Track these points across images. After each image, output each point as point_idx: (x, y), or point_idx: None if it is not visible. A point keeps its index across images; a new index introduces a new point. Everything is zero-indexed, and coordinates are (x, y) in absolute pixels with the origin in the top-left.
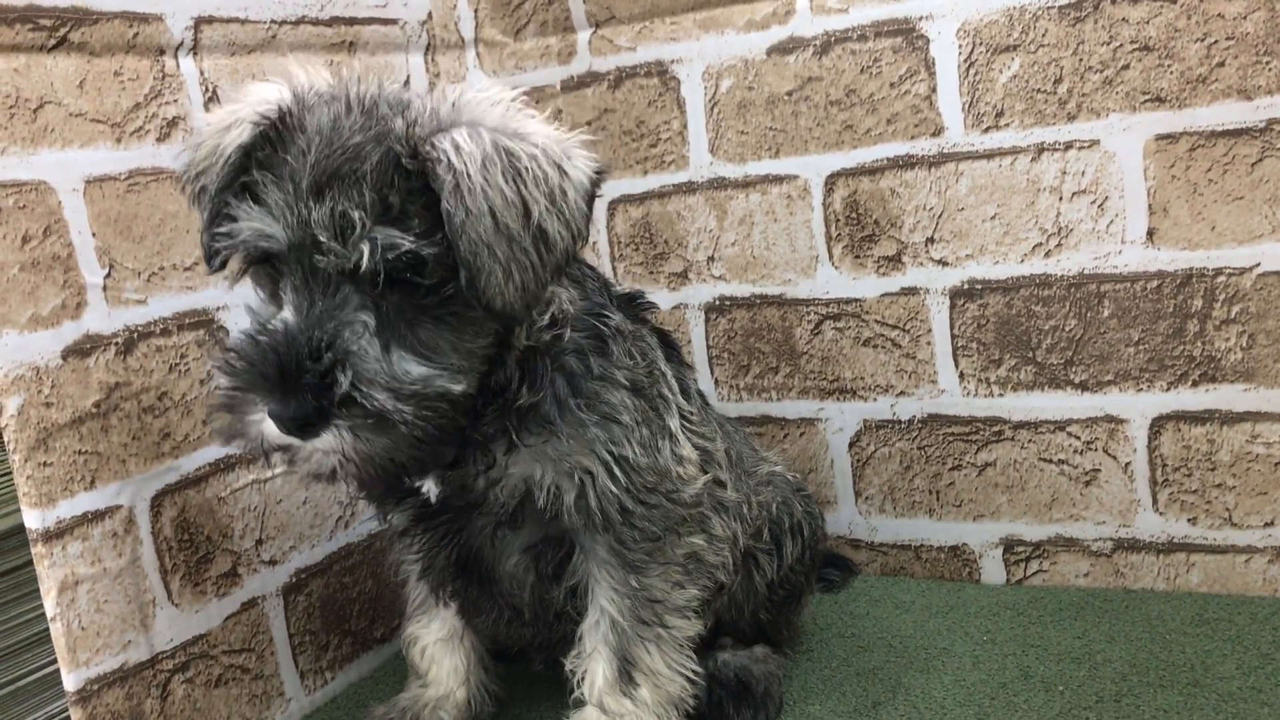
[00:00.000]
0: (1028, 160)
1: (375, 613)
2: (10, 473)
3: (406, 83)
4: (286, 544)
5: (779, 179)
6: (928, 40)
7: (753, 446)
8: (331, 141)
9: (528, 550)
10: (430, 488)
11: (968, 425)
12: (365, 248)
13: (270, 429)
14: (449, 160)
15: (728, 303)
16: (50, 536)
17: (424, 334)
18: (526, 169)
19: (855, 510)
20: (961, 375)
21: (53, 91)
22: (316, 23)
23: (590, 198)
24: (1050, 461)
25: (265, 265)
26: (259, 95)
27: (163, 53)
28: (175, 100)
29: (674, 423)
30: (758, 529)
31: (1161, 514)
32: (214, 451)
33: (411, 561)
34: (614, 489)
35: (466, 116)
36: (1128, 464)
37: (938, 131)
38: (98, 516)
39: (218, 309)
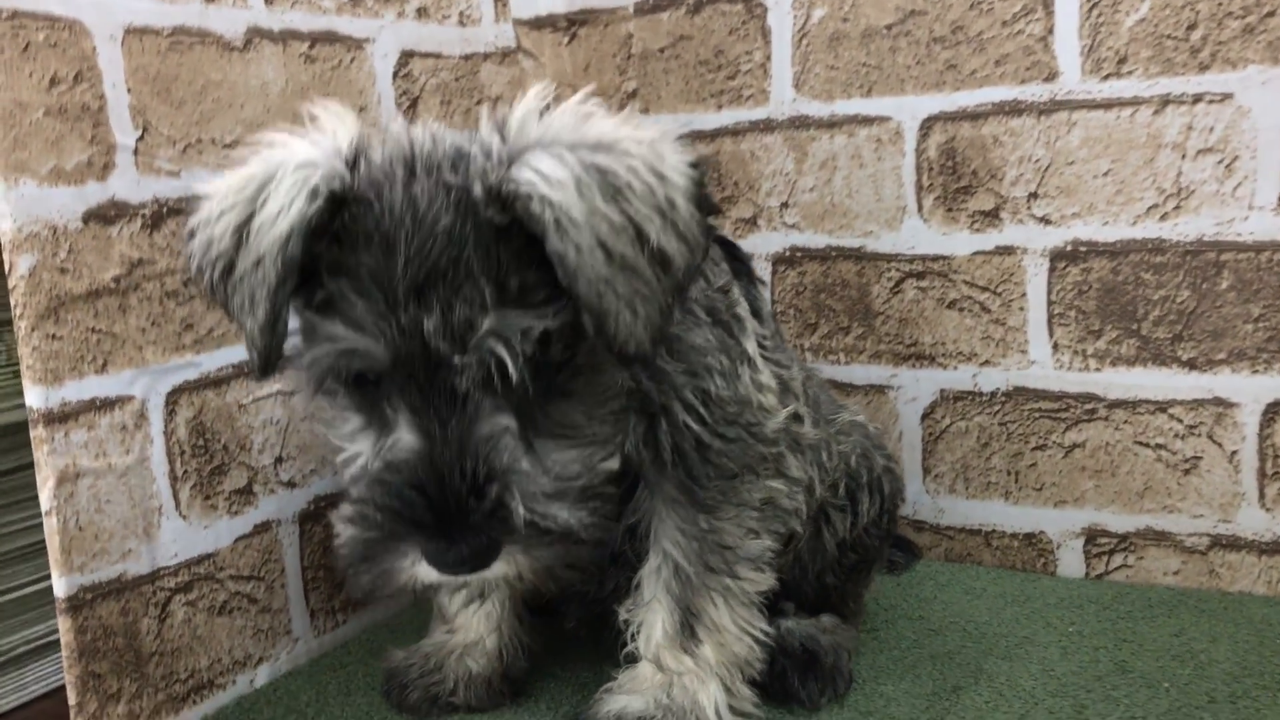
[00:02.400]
0: (1150, 113)
1: None
2: (16, 364)
3: None
4: (308, 466)
5: (869, 120)
6: None
7: (829, 392)
8: (419, 227)
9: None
10: None
11: (1058, 401)
12: (501, 351)
13: (427, 572)
14: (539, 193)
15: (799, 254)
16: (53, 419)
17: (560, 415)
18: (627, 184)
19: (922, 489)
20: (1055, 346)
21: None
22: None
23: (700, 201)
24: (1147, 445)
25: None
26: (296, 155)
27: None
28: None
29: (751, 346)
30: (834, 481)
31: (1269, 510)
32: (238, 352)
33: None
34: (692, 423)
35: (534, 137)
36: (1234, 453)
37: (1051, 76)
38: (107, 405)
39: None
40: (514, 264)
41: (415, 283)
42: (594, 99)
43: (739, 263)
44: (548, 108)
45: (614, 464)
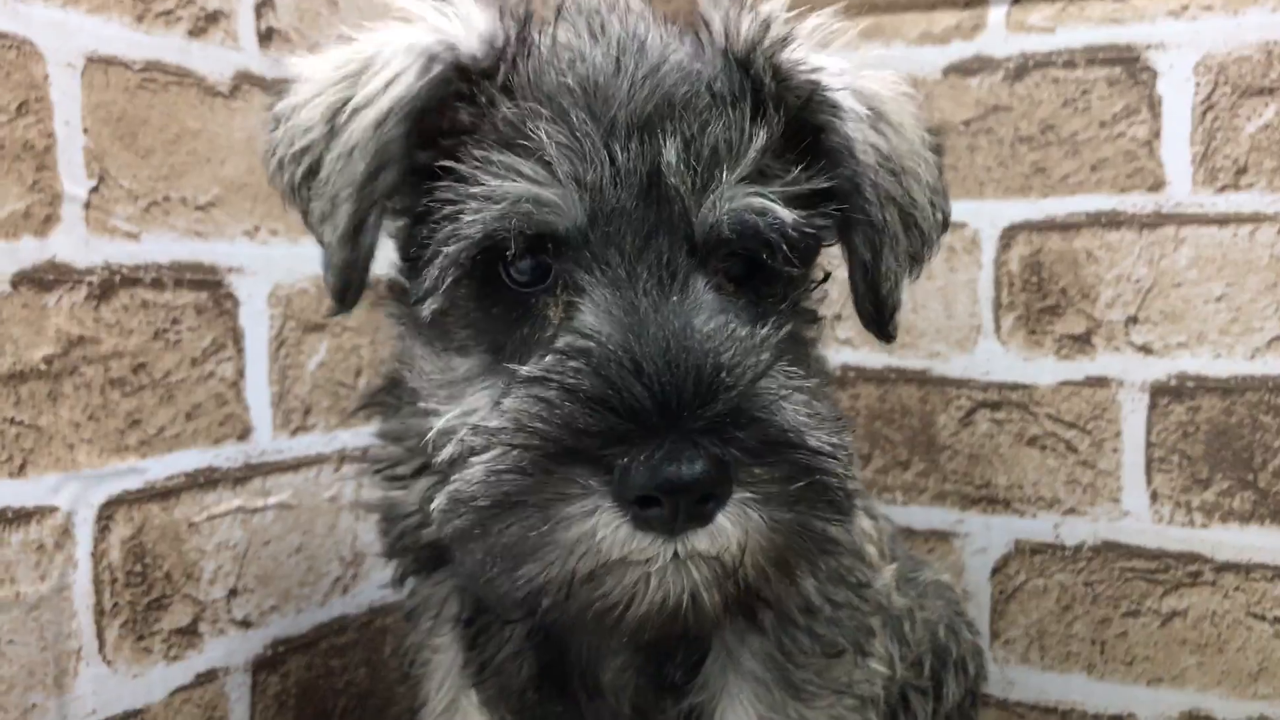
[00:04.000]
0: (1274, 231)
1: (363, 714)
2: None
3: None
4: (267, 602)
5: None
6: (1155, 74)
7: (902, 543)
8: (640, 53)
9: (642, 648)
10: None
11: (1155, 560)
12: (755, 200)
13: (613, 527)
14: (829, 77)
15: (852, 374)
16: None
17: (794, 363)
18: (889, 114)
19: (989, 655)
20: (1154, 495)
21: None
22: None
23: (941, 172)
24: (1263, 618)
25: (486, 268)
26: (421, 29)
27: None
28: None
29: (853, 485)
30: (918, 658)
31: None
32: (194, 457)
33: (444, 652)
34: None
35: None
36: None
37: (1157, 186)
38: (22, 517)
39: (230, 270)
40: (775, 144)
41: (642, 111)
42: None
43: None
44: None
45: (850, 437)
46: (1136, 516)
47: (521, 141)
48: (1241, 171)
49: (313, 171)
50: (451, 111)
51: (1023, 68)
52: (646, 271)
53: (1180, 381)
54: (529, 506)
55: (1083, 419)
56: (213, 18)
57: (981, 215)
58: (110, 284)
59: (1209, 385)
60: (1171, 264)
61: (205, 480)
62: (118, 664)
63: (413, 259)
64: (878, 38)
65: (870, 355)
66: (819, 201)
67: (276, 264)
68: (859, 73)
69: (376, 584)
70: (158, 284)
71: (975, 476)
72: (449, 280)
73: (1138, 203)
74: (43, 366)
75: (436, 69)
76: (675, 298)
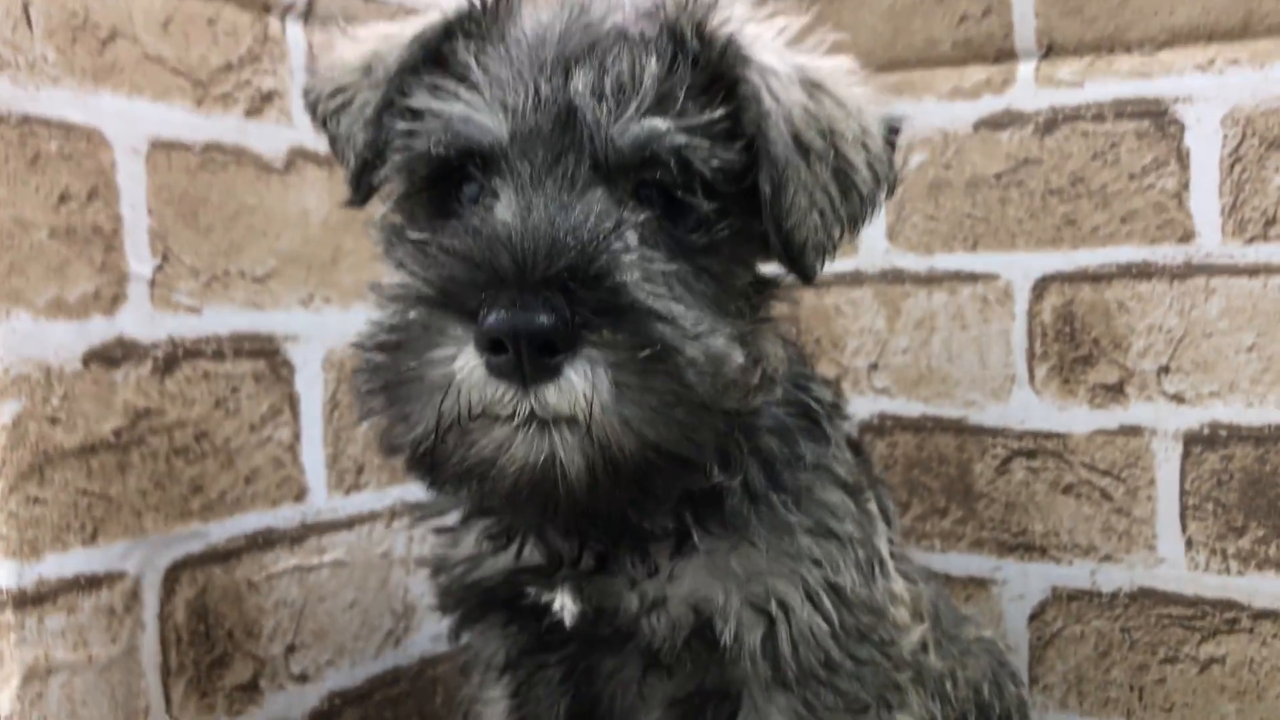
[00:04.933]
0: None
1: None
2: None
3: None
4: (323, 656)
5: (973, 277)
6: (1183, 126)
7: (948, 599)
8: (582, 13)
9: (675, 705)
10: (564, 603)
11: (1192, 607)
12: (654, 124)
13: (470, 369)
14: (747, 37)
15: (890, 422)
16: (26, 601)
17: (688, 284)
18: (831, 92)
19: (1029, 702)
20: (1189, 542)
21: (130, 23)
22: None
23: (892, 148)
24: None
25: (443, 186)
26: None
27: (269, 10)
28: (274, 71)
29: (883, 544)
30: (961, 715)
31: None
32: (253, 519)
33: (494, 705)
34: (821, 628)
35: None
36: None
37: (1186, 237)
38: (93, 583)
39: (286, 338)
40: (687, 86)
41: (565, 53)
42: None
43: (859, 452)
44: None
45: (736, 355)
46: (1172, 564)
47: (467, 75)
48: (1270, 223)
49: (344, 106)
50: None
51: (1052, 121)
52: (552, 182)
53: (1213, 430)
54: (407, 348)
55: (1117, 467)
56: (267, 97)
57: (1014, 267)
58: (174, 357)
59: (1241, 434)
60: (1202, 314)
61: (264, 541)
62: None
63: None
64: (909, 93)
65: (907, 404)
66: (728, 140)
67: (329, 330)
68: (808, 56)
69: (428, 636)
70: (218, 355)
71: (1012, 524)
72: (402, 189)
73: (1168, 254)
74: (112, 439)
75: (451, 13)
76: (568, 198)
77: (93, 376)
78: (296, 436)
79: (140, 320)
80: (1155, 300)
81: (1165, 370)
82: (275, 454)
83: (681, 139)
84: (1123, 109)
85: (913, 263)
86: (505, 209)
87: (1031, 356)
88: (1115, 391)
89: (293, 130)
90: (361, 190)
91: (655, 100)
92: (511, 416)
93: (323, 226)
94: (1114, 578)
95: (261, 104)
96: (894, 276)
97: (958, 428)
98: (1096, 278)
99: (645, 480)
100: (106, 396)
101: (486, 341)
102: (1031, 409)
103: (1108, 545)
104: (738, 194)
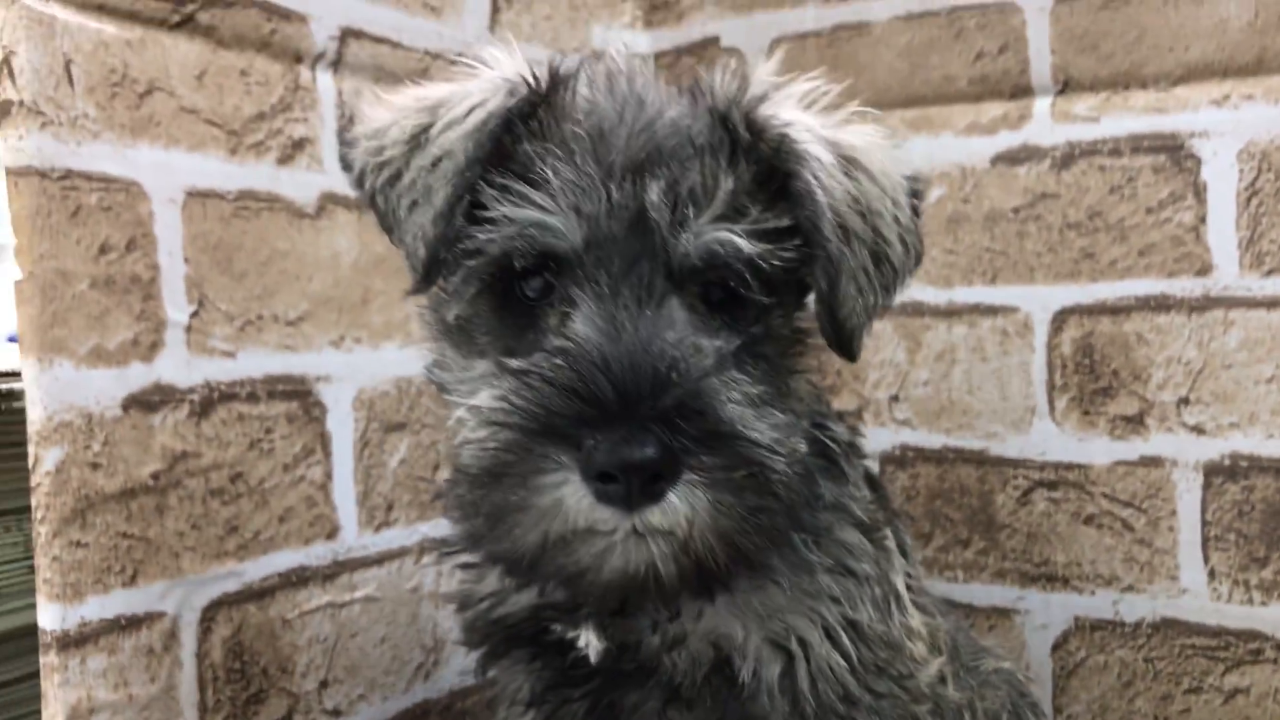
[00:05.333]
0: None
1: None
2: (20, 560)
3: None
4: (355, 691)
5: (993, 310)
6: (1199, 161)
7: (967, 632)
8: (643, 111)
9: None
10: (589, 640)
11: (1215, 637)
12: (738, 242)
13: (579, 497)
14: (796, 130)
15: (911, 454)
16: (68, 643)
17: (752, 377)
18: (866, 168)
19: None
20: (1212, 573)
21: (166, 77)
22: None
23: (917, 215)
24: None
25: (503, 285)
26: (484, 74)
27: (300, 60)
28: (305, 119)
29: (899, 580)
30: None
31: None
32: (287, 558)
33: None
34: (840, 665)
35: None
36: None
37: (1204, 270)
38: (133, 624)
39: (318, 379)
40: (745, 183)
41: (635, 158)
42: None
43: (876, 486)
44: (798, 91)
45: (801, 447)
46: (1195, 594)
47: (535, 175)
48: None
49: (395, 179)
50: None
51: (1069, 156)
52: (629, 290)
53: (1234, 461)
54: (512, 475)
55: (1138, 498)
56: (299, 145)
57: (1033, 300)
58: (210, 401)
59: (1262, 465)
60: (1221, 346)
61: (297, 579)
62: None
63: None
64: (926, 129)
65: (929, 436)
66: (786, 238)
67: (360, 370)
68: (839, 127)
69: (456, 670)
70: (252, 397)
71: (1034, 554)
72: (471, 291)
73: (1186, 287)
74: (150, 482)
75: (522, 90)
76: (649, 312)
77: (132, 422)
78: (328, 475)
79: (177, 365)
80: (1174, 332)
81: (1185, 402)
82: (308, 493)
83: (753, 248)
84: (1139, 144)
85: (933, 296)
86: (589, 324)
87: (1051, 388)
88: (1135, 423)
89: (323, 176)
90: (430, 280)
91: (725, 210)
92: (613, 532)
93: (353, 269)
94: (1137, 608)
95: (293, 151)
96: (914, 309)
97: (979, 459)
98: (1115, 310)
99: (730, 575)
100: (145, 441)
101: (596, 473)
102: (1052, 440)
103: (1130, 575)
104: (786, 281)
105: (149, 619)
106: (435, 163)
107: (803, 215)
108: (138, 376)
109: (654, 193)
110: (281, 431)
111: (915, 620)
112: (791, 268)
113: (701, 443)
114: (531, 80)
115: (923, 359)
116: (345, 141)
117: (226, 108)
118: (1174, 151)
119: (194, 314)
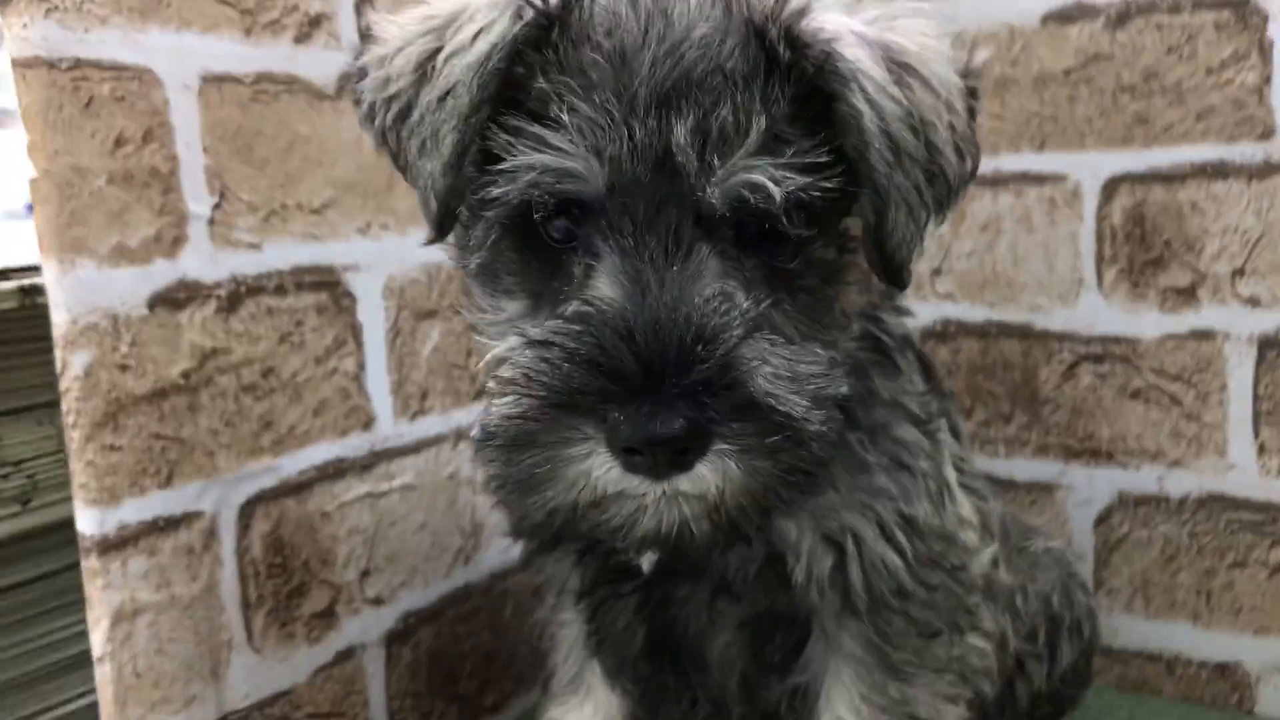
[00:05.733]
0: None
1: (489, 674)
2: (55, 454)
3: None
4: (396, 579)
5: (1040, 179)
6: (1265, 17)
7: (1014, 515)
8: (670, 29)
9: (744, 627)
10: (642, 559)
11: (1261, 512)
12: (770, 186)
13: (607, 469)
14: (843, 45)
15: (954, 328)
16: (109, 547)
17: (790, 315)
18: (920, 76)
19: (1097, 610)
20: (1262, 448)
21: None
22: None
23: (974, 118)
24: None
25: (526, 229)
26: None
27: None
28: None
29: (950, 472)
30: (1031, 629)
31: None
32: (323, 450)
33: (569, 626)
34: (893, 559)
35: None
36: None
37: (1267, 134)
38: (172, 525)
39: (345, 268)
40: (783, 109)
41: (660, 90)
42: None
43: (929, 369)
44: None
45: (842, 388)
46: (1243, 469)
47: (550, 114)
48: None
49: (404, 114)
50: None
51: (1125, 14)
52: (655, 240)
53: None
54: (538, 446)
55: (1187, 372)
56: (315, 21)
57: (1083, 167)
58: (237, 295)
59: None
60: None
61: (334, 471)
62: (265, 651)
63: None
64: None
65: (971, 309)
66: (830, 167)
67: (388, 257)
68: (889, 27)
69: (496, 551)
70: (280, 290)
71: (1078, 429)
72: (492, 238)
73: (1246, 152)
74: (181, 381)
75: (528, 14)
76: (677, 266)
77: (159, 321)
78: (361, 366)
79: (202, 261)
80: (1231, 201)
81: (1240, 273)
82: (341, 385)
83: (790, 184)
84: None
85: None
86: (613, 283)
87: (1100, 260)
88: (1187, 295)
89: (342, 54)
90: (445, 230)
91: (760, 146)
92: (643, 495)
93: (376, 153)
94: (1182, 483)
95: (310, 28)
96: None
97: (1023, 333)
98: (1169, 178)
99: (767, 523)
100: (173, 339)
101: (621, 447)
102: (1099, 313)
103: (1176, 451)
104: (831, 208)
105: (187, 519)
106: (442, 98)
107: (849, 143)
108: (162, 274)
109: (680, 132)
110: (312, 324)
111: (966, 508)
112: (835, 197)
113: (731, 414)
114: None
115: (966, 230)
116: (355, 72)
117: None
118: (1239, 6)
119: (216, 206)
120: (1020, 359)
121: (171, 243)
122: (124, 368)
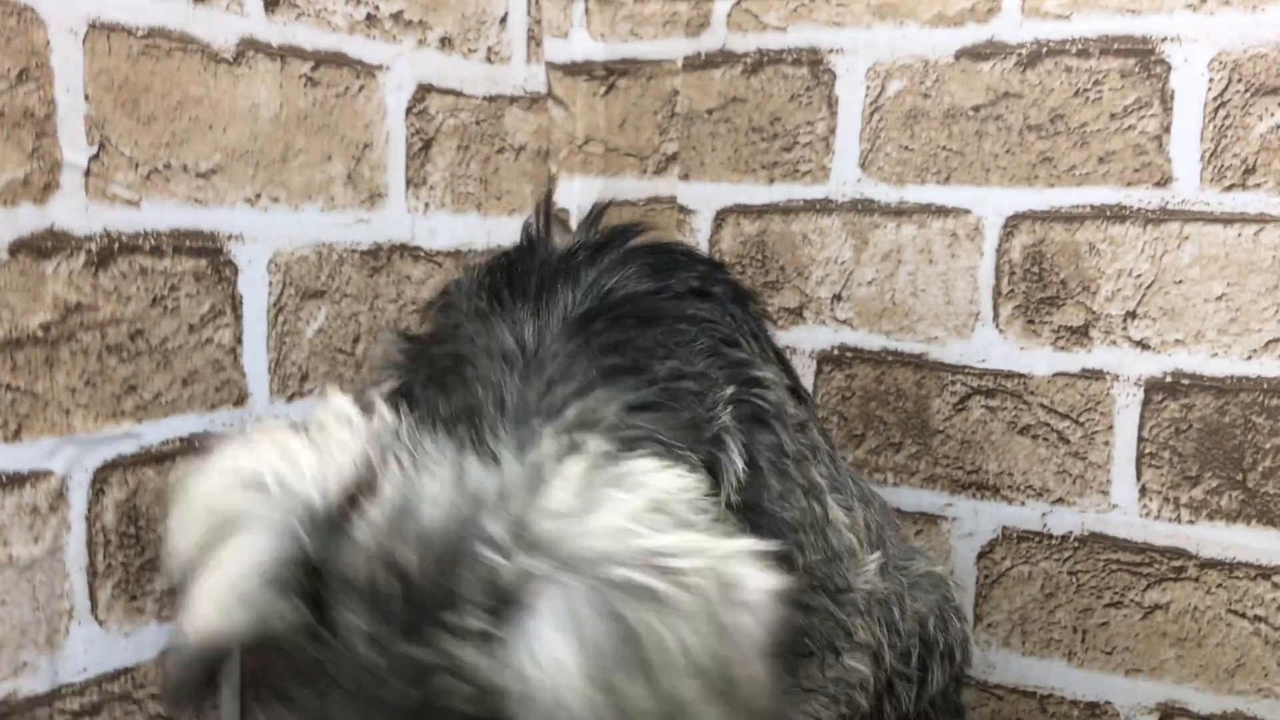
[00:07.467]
0: (1278, 233)
1: None
2: None
3: (504, 21)
4: None
5: (944, 211)
6: (1169, 67)
7: (895, 525)
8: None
9: None
10: None
11: (1140, 554)
12: None
13: None
14: (531, 689)
15: (850, 354)
16: None
17: None
18: (670, 652)
19: (971, 639)
20: (1143, 490)
21: None
22: None
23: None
24: (1243, 616)
25: None
26: (259, 510)
27: None
28: None
29: (818, 476)
30: (906, 649)
31: None
32: (190, 422)
33: None
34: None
35: (567, 550)
36: None
37: (1164, 181)
38: (16, 481)
39: (230, 237)
40: None
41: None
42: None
43: (788, 370)
44: (619, 500)
45: None
46: (1124, 510)
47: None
48: (1250, 171)
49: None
50: None
51: (1036, 55)
52: None
53: (1175, 379)
54: None
55: (1076, 410)
56: None
57: (986, 203)
58: (109, 251)
59: (1204, 384)
60: (1174, 260)
61: (200, 445)
62: (110, 623)
63: None
64: (891, 18)
65: (868, 336)
66: None
67: (277, 231)
68: (621, 595)
69: None
70: (157, 251)
71: (966, 462)
72: None
73: (1144, 198)
74: (40, 333)
75: (293, 551)
76: None
77: (20, 267)
78: (238, 340)
79: (74, 211)
80: (1127, 244)
81: (1132, 315)
82: (215, 356)
83: None
84: (1109, 46)
85: (884, 193)
86: None
87: (997, 294)
88: (1080, 334)
89: (243, 19)
90: None
91: None
92: None
93: (273, 122)
94: (1065, 520)
95: None
96: (864, 206)
97: (918, 363)
98: (1069, 218)
99: None
100: (35, 289)
101: None
102: (993, 348)
103: (1061, 488)
104: None
105: (35, 477)
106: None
107: None
108: (28, 219)
109: None
110: (188, 289)
111: (836, 512)
112: None
113: None
114: (309, 533)
115: (868, 258)
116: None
117: None
118: (1144, 56)
119: (94, 157)
120: (913, 389)
121: (42, 188)
122: None
